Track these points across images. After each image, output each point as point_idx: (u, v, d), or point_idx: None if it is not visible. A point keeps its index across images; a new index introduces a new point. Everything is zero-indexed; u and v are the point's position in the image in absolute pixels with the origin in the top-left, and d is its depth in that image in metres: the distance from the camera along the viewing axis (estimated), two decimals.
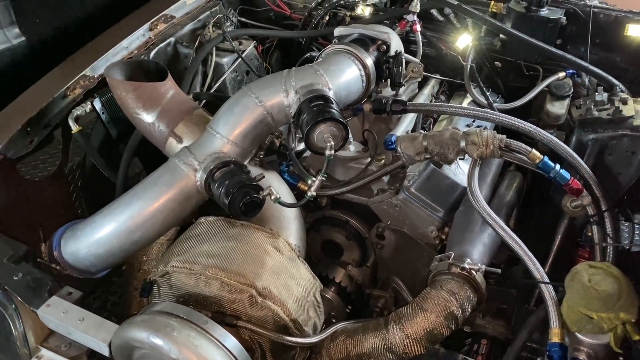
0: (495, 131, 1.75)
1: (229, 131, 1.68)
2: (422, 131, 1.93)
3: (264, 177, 1.65)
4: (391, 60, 1.88)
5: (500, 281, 1.91)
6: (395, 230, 1.99)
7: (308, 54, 2.51)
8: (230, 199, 1.52)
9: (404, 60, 1.93)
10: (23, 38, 2.39)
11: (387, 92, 2.07)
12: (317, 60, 1.88)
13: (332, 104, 1.63)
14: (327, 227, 2.13)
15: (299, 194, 1.98)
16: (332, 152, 1.59)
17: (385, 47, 1.93)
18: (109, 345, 1.45)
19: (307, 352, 1.62)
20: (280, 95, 1.68)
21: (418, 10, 2.27)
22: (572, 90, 2.20)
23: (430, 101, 2.34)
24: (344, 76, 1.77)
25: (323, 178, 1.62)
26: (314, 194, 1.62)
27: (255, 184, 1.57)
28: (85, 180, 2.30)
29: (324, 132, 1.59)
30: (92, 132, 2.24)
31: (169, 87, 1.94)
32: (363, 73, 1.82)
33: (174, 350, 1.30)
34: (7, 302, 1.58)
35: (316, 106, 1.60)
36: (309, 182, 1.64)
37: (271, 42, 2.77)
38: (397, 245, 2.02)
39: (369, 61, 1.84)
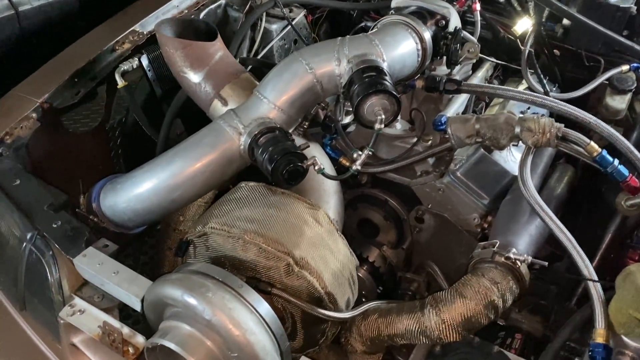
0: (553, 119, 1.66)
1: (276, 97, 1.64)
2: (474, 114, 1.86)
3: (308, 146, 1.61)
4: (450, 36, 1.80)
5: (539, 277, 1.84)
6: (436, 215, 1.93)
7: (363, 24, 2.43)
8: (274, 165, 1.49)
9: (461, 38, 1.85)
10: None
11: (442, 70, 1.99)
12: (372, 30, 1.82)
13: (386, 76, 1.57)
14: (365, 205, 2.08)
15: (339, 169, 1.94)
16: (382, 126, 1.53)
17: (444, 22, 1.85)
18: (142, 301, 1.45)
19: (338, 327, 1.59)
20: (332, 63, 1.63)
21: None
22: (635, 84, 2.09)
23: None
24: (399, 48, 1.70)
25: (370, 152, 1.57)
26: (359, 168, 1.57)
27: (300, 152, 1.54)
28: (125, 138, 2.31)
29: (375, 105, 1.53)
30: (137, 90, 2.24)
31: (217, 48, 1.90)
32: (420, 47, 1.75)
33: (208, 311, 1.28)
34: (45, 249, 1.59)
35: (369, 77, 1.55)
36: (355, 155, 1.59)
37: (321, 13, 2.70)
38: (436, 230, 1.96)
39: (427, 35, 1.77)
